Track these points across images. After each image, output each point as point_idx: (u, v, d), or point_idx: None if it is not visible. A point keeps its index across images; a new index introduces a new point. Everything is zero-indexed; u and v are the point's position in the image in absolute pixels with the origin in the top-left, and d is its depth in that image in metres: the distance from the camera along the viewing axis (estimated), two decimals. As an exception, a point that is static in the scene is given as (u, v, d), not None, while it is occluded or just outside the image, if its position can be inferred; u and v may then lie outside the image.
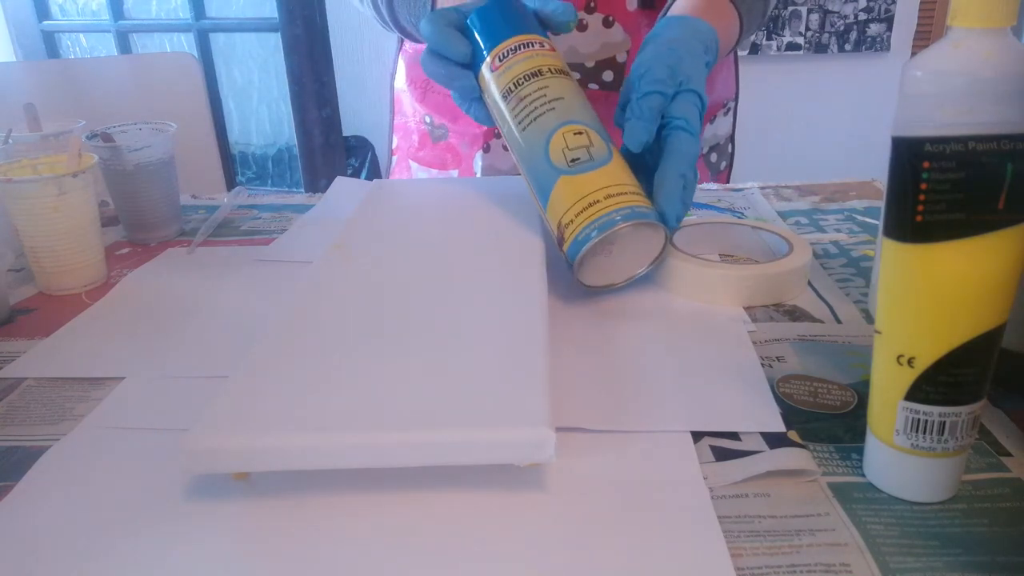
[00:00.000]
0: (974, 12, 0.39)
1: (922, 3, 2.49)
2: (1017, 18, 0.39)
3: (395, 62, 0.92)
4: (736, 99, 0.93)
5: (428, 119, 0.89)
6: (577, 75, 0.78)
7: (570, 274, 0.54)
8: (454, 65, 0.58)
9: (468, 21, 0.58)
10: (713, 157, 0.92)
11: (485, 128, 0.84)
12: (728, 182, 0.95)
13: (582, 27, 0.76)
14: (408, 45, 0.89)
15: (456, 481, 0.38)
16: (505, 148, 0.84)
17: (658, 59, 0.55)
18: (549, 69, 0.56)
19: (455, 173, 0.88)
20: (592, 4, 0.76)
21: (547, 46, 0.58)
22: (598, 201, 0.51)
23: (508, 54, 0.56)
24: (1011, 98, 0.38)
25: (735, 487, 0.38)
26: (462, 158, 0.88)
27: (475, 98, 0.59)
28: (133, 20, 2.38)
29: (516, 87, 0.55)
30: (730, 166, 0.96)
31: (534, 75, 0.56)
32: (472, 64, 0.58)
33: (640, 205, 0.52)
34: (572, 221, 0.52)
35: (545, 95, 0.55)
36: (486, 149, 0.85)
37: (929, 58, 0.41)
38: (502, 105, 0.56)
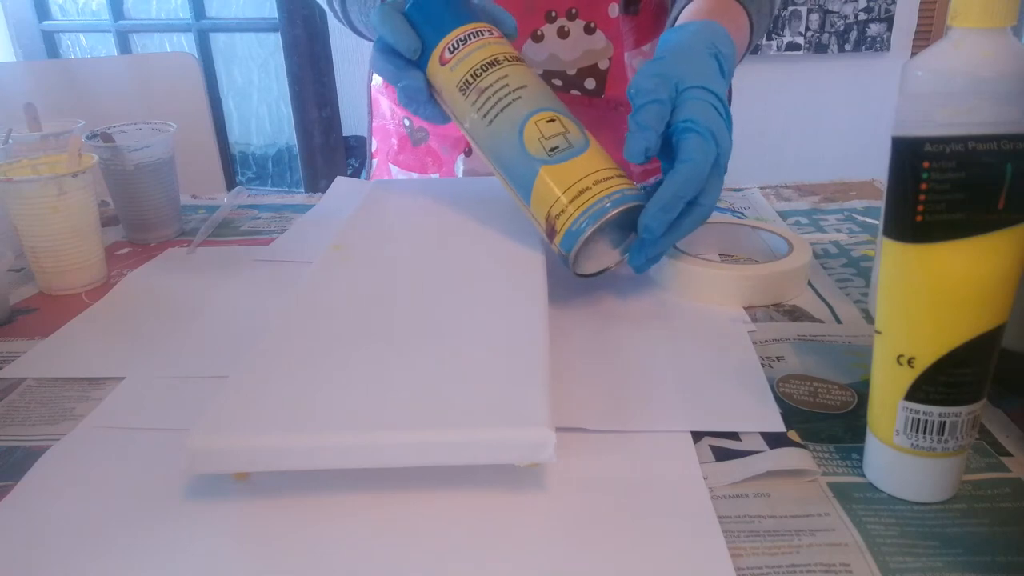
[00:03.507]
0: (974, 12, 0.39)
1: (922, 3, 2.48)
2: (1017, 18, 0.39)
3: (371, 62, 0.91)
4: (727, 100, 0.92)
5: (407, 122, 0.87)
6: (559, 82, 0.77)
7: (566, 270, 0.53)
8: (402, 61, 0.55)
9: (407, 12, 0.55)
10: None
11: None
12: None
13: (564, 34, 0.76)
14: None
15: (456, 481, 0.38)
16: None
17: (644, 74, 0.52)
18: (505, 57, 0.54)
19: (436, 177, 0.87)
20: (574, 11, 0.75)
21: (495, 33, 0.55)
22: (587, 188, 0.50)
23: (458, 45, 0.54)
24: (1011, 98, 0.38)
25: (735, 487, 0.38)
26: (443, 162, 0.86)
27: (424, 100, 0.56)
28: (133, 20, 2.38)
29: (474, 79, 0.53)
30: None
31: (491, 64, 0.53)
32: (419, 61, 0.55)
33: (628, 188, 0.51)
34: (563, 212, 0.50)
35: (507, 84, 0.53)
36: (467, 153, 0.83)
37: (929, 58, 0.42)
38: (461, 99, 0.54)
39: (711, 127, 0.50)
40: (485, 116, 0.53)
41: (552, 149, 0.51)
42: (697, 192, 0.50)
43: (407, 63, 0.55)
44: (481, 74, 0.53)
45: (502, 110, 0.53)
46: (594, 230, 0.49)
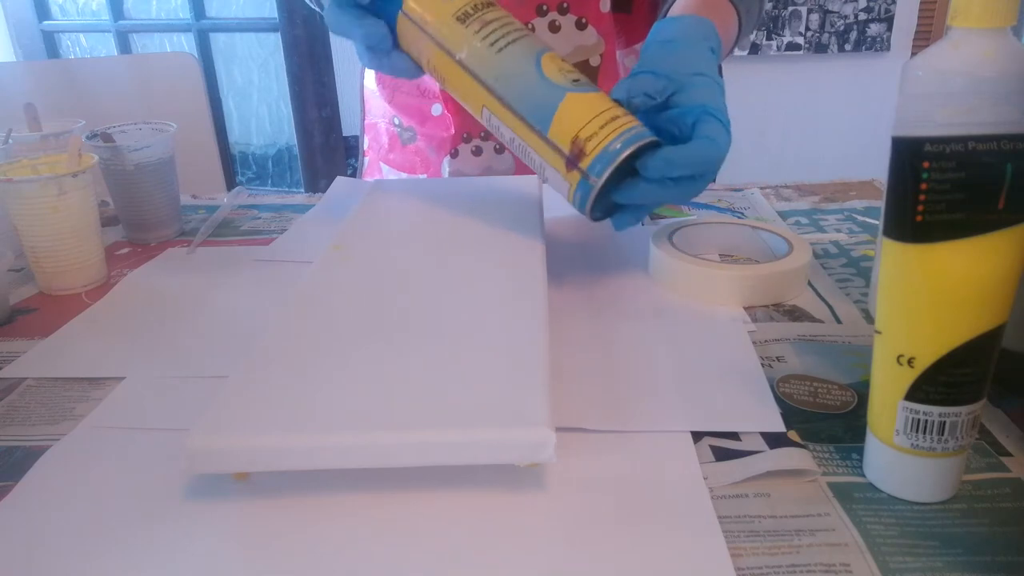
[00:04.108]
0: (974, 12, 0.39)
1: (922, 3, 2.48)
2: (1017, 18, 0.39)
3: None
4: None
5: (397, 121, 0.87)
6: None
7: (578, 209, 0.52)
8: (359, 10, 0.53)
9: None
10: None
11: (453, 132, 0.82)
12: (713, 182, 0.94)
13: (555, 28, 0.76)
14: None
15: (456, 481, 0.38)
16: (474, 152, 0.82)
17: (648, 56, 0.53)
18: (498, 3, 0.54)
19: (423, 178, 0.87)
20: (565, 5, 0.75)
21: None
22: (618, 116, 0.50)
23: None
24: (1011, 98, 0.38)
25: (735, 487, 0.38)
26: (430, 163, 0.86)
27: (387, 48, 0.54)
28: (133, 20, 2.38)
29: (476, 11, 0.52)
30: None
31: (489, 4, 0.53)
32: (383, 8, 0.54)
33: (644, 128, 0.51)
34: (595, 134, 0.49)
35: (512, 23, 0.53)
36: (454, 154, 0.83)
37: (929, 58, 0.42)
38: (459, 28, 0.52)
39: (727, 119, 0.51)
40: (493, 44, 0.52)
41: (574, 80, 0.52)
42: (705, 171, 0.51)
43: (364, 11, 0.54)
44: (483, 8, 0.53)
45: (514, 40, 0.52)
46: (629, 153, 0.49)
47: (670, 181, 0.50)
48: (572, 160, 0.50)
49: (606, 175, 0.49)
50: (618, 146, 0.49)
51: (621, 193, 0.52)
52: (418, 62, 0.56)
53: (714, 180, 0.53)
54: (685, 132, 0.51)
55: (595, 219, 0.54)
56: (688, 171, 0.50)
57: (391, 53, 0.55)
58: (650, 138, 0.50)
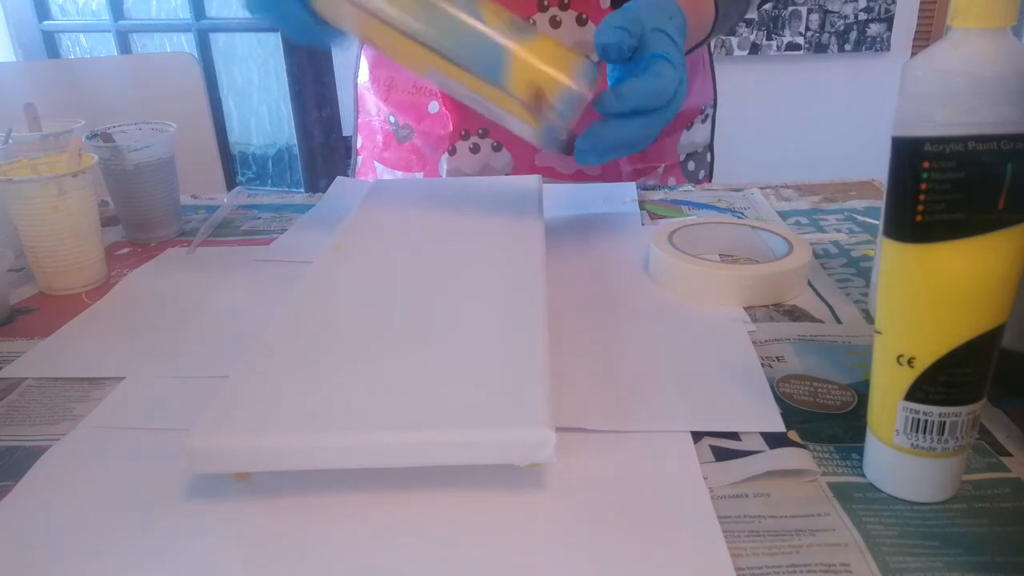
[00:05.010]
0: (974, 12, 0.39)
1: (922, 3, 2.49)
2: (1017, 18, 0.39)
3: (357, 58, 0.90)
4: (715, 105, 0.92)
5: (392, 119, 0.87)
6: None
7: (549, 147, 0.53)
8: None
9: None
10: (691, 165, 0.91)
11: (451, 129, 0.82)
12: None
13: (556, 24, 0.76)
14: None
15: (456, 481, 0.38)
16: (472, 150, 0.82)
17: (614, 15, 0.54)
18: None
19: (420, 176, 0.87)
20: (566, 1, 0.75)
21: None
22: (568, 56, 0.51)
23: None
24: (1011, 98, 0.38)
25: (735, 487, 0.38)
26: (427, 161, 0.86)
27: (311, 25, 0.54)
28: (133, 20, 2.38)
29: None
30: (710, 175, 0.94)
31: None
32: None
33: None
34: (552, 77, 0.51)
35: None
36: (451, 152, 0.83)
37: (929, 58, 0.42)
38: None
39: (678, 61, 0.53)
40: (428, 3, 0.52)
41: (519, 28, 0.52)
42: (656, 103, 0.52)
43: None
44: None
45: None
46: (592, 88, 0.50)
47: (623, 117, 0.52)
48: (534, 106, 0.51)
49: (572, 118, 0.50)
50: (577, 86, 0.50)
51: (584, 138, 0.53)
52: (339, 26, 0.55)
53: (673, 115, 0.55)
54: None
55: (565, 154, 0.55)
56: (638, 103, 0.52)
57: (313, 28, 0.55)
58: (596, 68, 0.51)
